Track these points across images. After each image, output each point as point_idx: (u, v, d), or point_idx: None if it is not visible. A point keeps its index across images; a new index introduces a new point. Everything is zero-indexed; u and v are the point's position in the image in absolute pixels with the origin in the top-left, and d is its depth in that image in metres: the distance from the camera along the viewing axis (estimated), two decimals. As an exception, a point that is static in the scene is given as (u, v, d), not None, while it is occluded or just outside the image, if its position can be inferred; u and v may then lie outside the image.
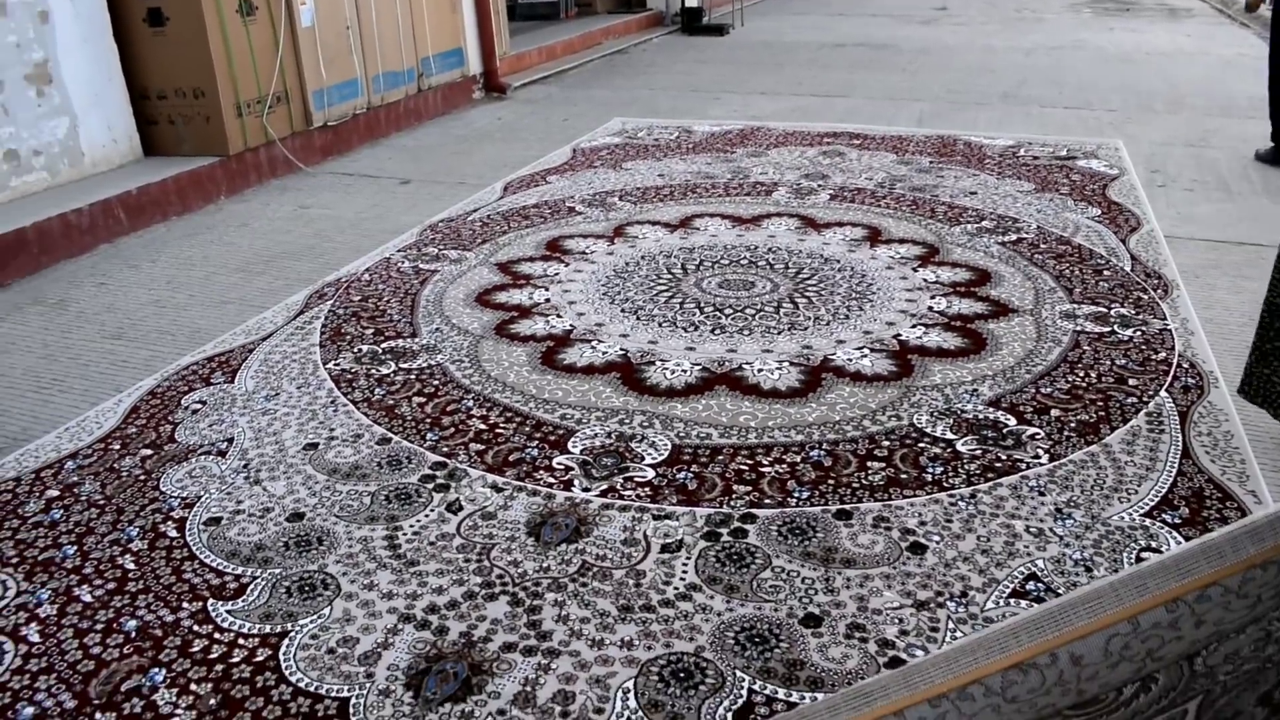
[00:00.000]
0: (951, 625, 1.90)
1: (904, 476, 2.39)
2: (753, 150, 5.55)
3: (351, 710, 1.74)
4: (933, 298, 3.44)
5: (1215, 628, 1.02)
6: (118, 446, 2.66)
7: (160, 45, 4.85)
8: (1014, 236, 4.05)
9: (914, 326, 3.22)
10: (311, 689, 1.79)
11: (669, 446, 2.55)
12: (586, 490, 2.36)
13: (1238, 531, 0.97)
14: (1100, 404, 2.70)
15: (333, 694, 1.77)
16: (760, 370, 2.94)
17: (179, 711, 1.76)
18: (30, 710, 1.78)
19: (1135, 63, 8.17)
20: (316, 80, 5.52)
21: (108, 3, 4.74)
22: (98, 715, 1.76)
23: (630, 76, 8.20)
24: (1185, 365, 2.91)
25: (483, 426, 2.66)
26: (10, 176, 4.43)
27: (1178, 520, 2.19)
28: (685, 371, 2.94)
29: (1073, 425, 2.60)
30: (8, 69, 4.34)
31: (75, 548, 2.23)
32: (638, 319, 3.31)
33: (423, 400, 2.81)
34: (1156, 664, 1.03)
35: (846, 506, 2.27)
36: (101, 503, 2.40)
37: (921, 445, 2.53)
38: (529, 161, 5.47)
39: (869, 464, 2.45)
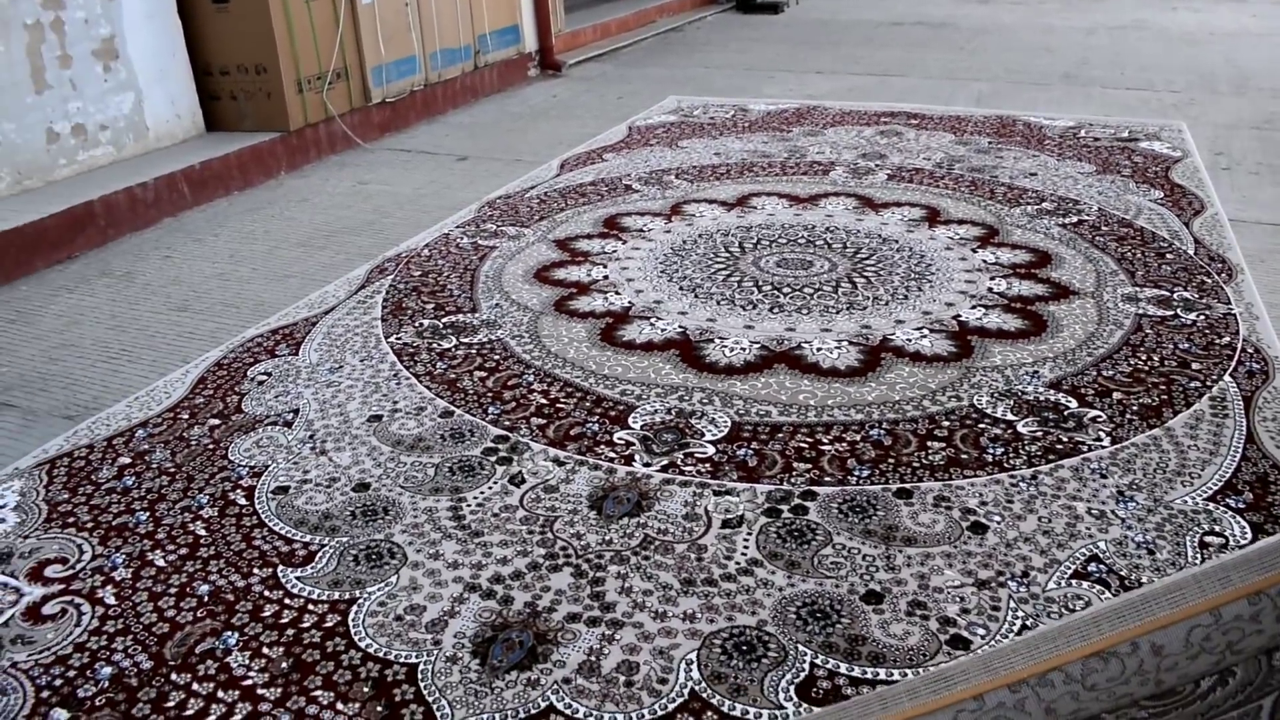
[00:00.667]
0: (1013, 605, 1.90)
1: (964, 457, 2.39)
2: (809, 129, 5.52)
3: (420, 676, 1.78)
4: (992, 279, 3.42)
5: None
6: (186, 416, 2.72)
7: (223, 22, 4.92)
8: (1075, 218, 4.00)
9: (973, 308, 3.20)
10: (380, 654, 1.83)
11: (729, 424, 2.56)
12: (648, 465, 2.38)
13: None
14: (1163, 388, 2.67)
15: (401, 659, 1.82)
16: (819, 349, 2.94)
17: (251, 674, 1.81)
18: (108, 670, 1.84)
19: (1199, 43, 8.00)
20: (375, 57, 5.57)
21: (173, -20, 4.82)
22: (173, 675, 1.82)
23: (685, 55, 8.17)
24: (1250, 350, 2.87)
25: (544, 401, 2.69)
26: (78, 150, 4.53)
27: (1241, 505, 2.17)
28: (744, 350, 2.94)
29: (1135, 408, 2.58)
30: (76, 44, 4.42)
31: (148, 514, 2.29)
32: (696, 297, 3.32)
33: (484, 375, 2.85)
34: (1236, 657, 1.03)
35: (907, 485, 2.27)
36: (172, 470, 2.46)
37: (982, 426, 2.52)
38: (585, 139, 5.48)
39: (929, 444, 2.44)
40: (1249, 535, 2.07)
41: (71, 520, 2.28)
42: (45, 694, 1.80)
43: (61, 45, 4.38)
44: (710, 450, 2.44)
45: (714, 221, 4.05)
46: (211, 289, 3.64)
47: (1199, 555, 2.01)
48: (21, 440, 2.69)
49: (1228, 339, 2.93)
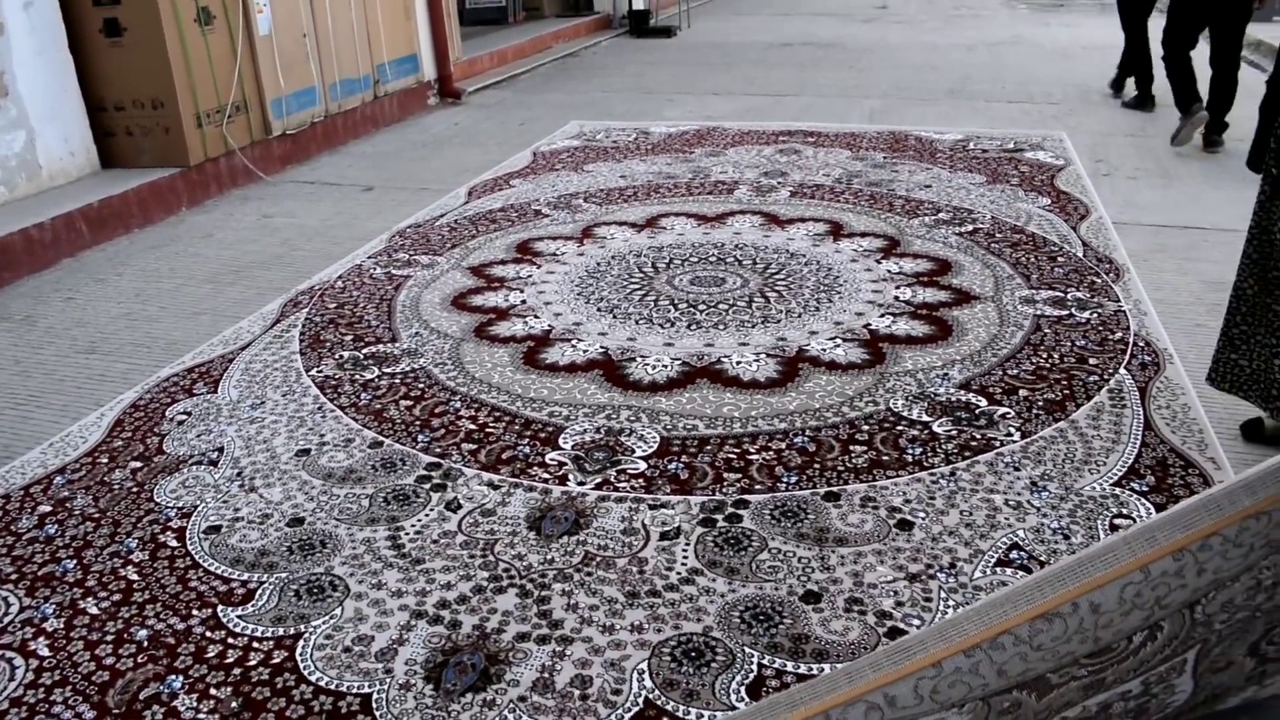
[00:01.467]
0: (943, 595, 1.99)
1: (886, 458, 2.48)
2: (711, 150, 5.64)
3: (375, 705, 1.78)
4: (898, 288, 3.55)
5: (1214, 576, 1.11)
6: (106, 460, 2.67)
7: (117, 56, 4.82)
8: (970, 227, 4.17)
9: (882, 316, 3.32)
10: (332, 687, 1.83)
11: (658, 439, 2.62)
12: (582, 484, 2.42)
13: (1234, 486, 1.06)
14: (1064, 383, 2.82)
15: (354, 690, 1.82)
16: (739, 363, 3.01)
17: (202, 715, 1.79)
18: (49, 720, 1.80)
19: (1073, 57, 8.40)
20: (275, 89, 5.51)
21: (63, 14, 4.70)
22: (118, 721, 1.79)
23: (583, 80, 8.25)
24: (1141, 344, 3.04)
25: (473, 427, 2.71)
26: (-34, 194, 4.39)
27: (1145, 488, 2.31)
28: (666, 366, 3.01)
29: (1040, 404, 2.71)
30: (-38, 85, 4.29)
31: (75, 561, 2.24)
32: (614, 317, 3.37)
33: (410, 404, 2.86)
34: (1163, 611, 1.12)
35: (834, 489, 2.36)
36: (96, 516, 2.41)
37: (900, 428, 2.62)
38: (490, 166, 5.50)
39: (851, 448, 2.53)
40: (1155, 516, 2.20)
41: (-6, 572, 2.22)
42: (-18, 751, 1.75)
43: (-54, 86, 4.25)
44: (642, 466, 2.49)
45: (625, 243, 4.12)
46: (119, 330, 3.56)
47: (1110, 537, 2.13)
48: (-70, 494, 2.60)
49: (1120, 334, 3.10)
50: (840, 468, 2.45)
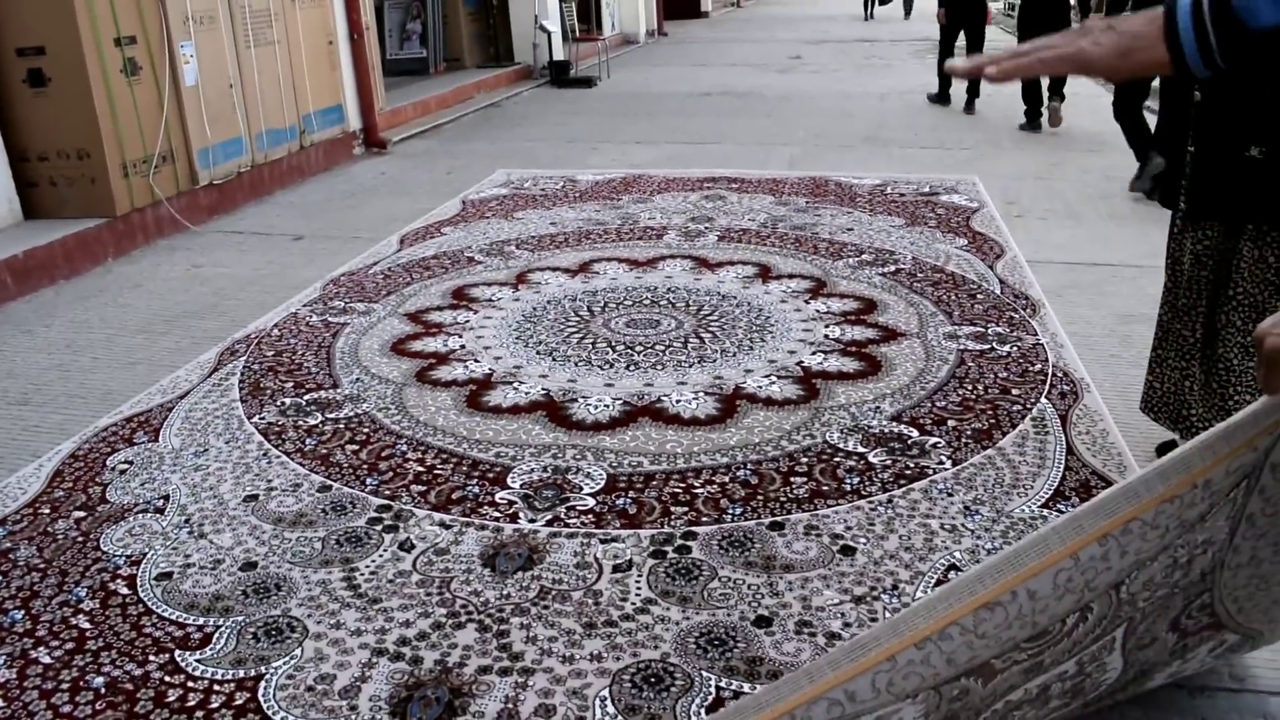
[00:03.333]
0: (888, 615, 2.07)
1: (825, 488, 2.58)
2: (637, 196, 5.77)
3: (340, 740, 1.80)
4: (827, 326, 3.68)
5: (1135, 557, 1.22)
6: (47, 510, 2.64)
7: (41, 106, 4.78)
8: (893, 267, 4.34)
9: (814, 353, 3.44)
10: (296, 724, 1.84)
11: (604, 476, 2.68)
12: (533, 521, 2.47)
13: (1149, 473, 1.18)
14: (990, 413, 2.96)
15: (318, 727, 1.84)
16: (678, 401, 3.10)
17: (164, 757, 1.79)
18: (4, 771, 1.79)
19: (981, 104, 8.75)
20: (201, 139, 5.50)
21: (-16, 66, 4.66)
22: (78, 769, 1.78)
23: (507, 129, 8.36)
24: (1059, 374, 3.20)
25: (420, 469, 2.75)
26: (-118, 247, 4.29)
27: (1071, 509, 2.43)
28: (608, 406, 3.08)
29: (969, 433, 2.84)
30: (-119, 137, 4.22)
31: (23, 612, 2.22)
32: (554, 360, 3.44)
33: (355, 448, 2.88)
34: (1092, 594, 1.23)
35: (779, 518, 2.44)
36: (42, 566, 2.39)
37: (837, 459, 2.73)
38: (420, 214, 5.55)
39: (792, 479, 2.63)
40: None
41: (-63, 627, 2.19)
42: (-65, 806, 1.73)
43: None
44: (591, 502, 2.55)
45: (560, 288, 4.19)
46: (51, 380, 3.52)
47: (1040, 558, 2.25)
48: None
49: (1039, 366, 3.26)
50: (783, 498, 2.54)
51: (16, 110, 4.81)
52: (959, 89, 8.74)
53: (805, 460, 2.73)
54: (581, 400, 3.13)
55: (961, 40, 8.69)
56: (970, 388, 3.13)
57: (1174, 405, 2.57)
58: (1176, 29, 1.18)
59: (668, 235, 4.93)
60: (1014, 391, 3.09)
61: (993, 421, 2.91)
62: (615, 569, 2.27)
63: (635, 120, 8.54)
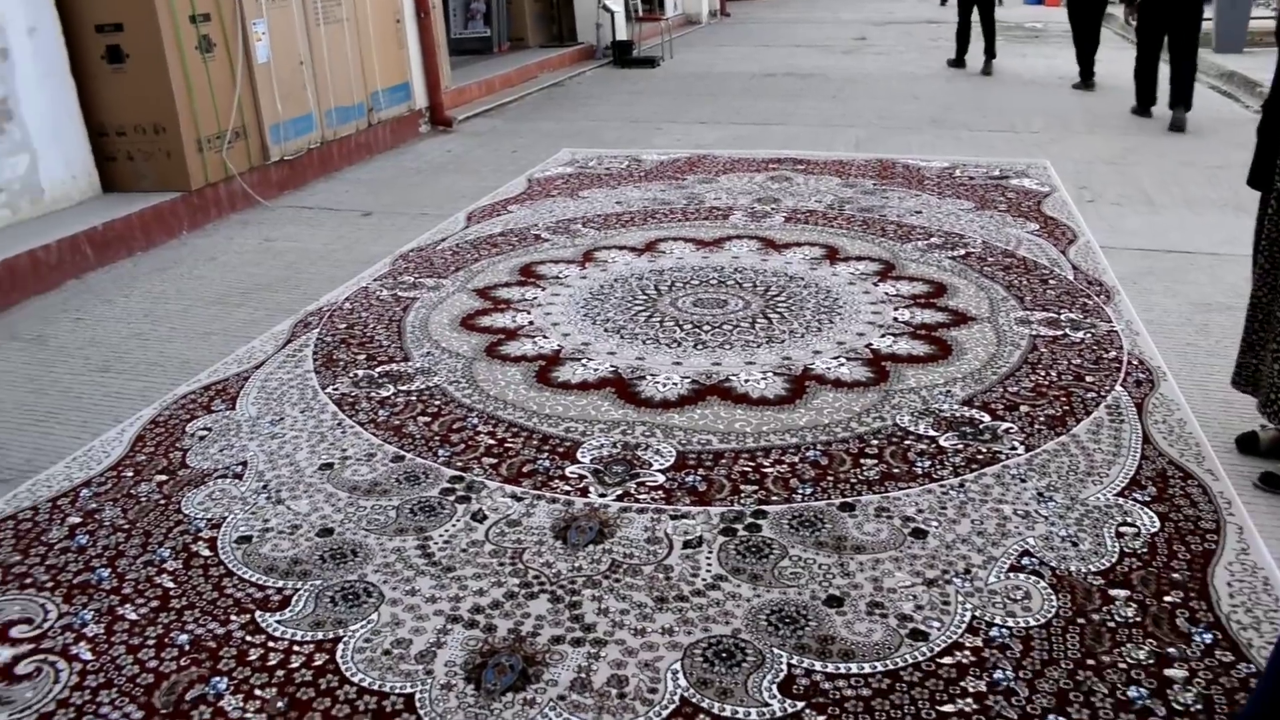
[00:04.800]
0: (961, 599, 2.07)
1: (896, 471, 2.57)
2: (703, 177, 5.75)
3: (418, 704, 1.84)
4: (896, 309, 3.65)
5: None
6: (130, 474, 2.71)
7: (119, 82, 4.88)
8: (962, 251, 4.29)
9: (883, 336, 3.42)
10: (375, 687, 1.88)
11: (674, 453, 2.69)
12: (603, 495, 2.49)
13: None
14: (1063, 399, 2.92)
15: (396, 690, 1.87)
16: (747, 381, 3.10)
17: (249, 715, 1.84)
18: (95, 723, 1.85)
19: (1050, 87, 8.59)
20: (273, 115, 5.58)
21: (66, 40, 4.76)
22: (165, 723, 1.83)
23: (570, 109, 8.37)
24: (1135, 362, 3.15)
25: (491, 441, 2.78)
26: (-31, 216, 4.42)
27: (1147, 498, 2.40)
28: (676, 384, 3.09)
29: (1041, 419, 2.81)
30: (-31, 109, 4.34)
31: (109, 570, 2.29)
32: (621, 337, 3.45)
33: (428, 420, 2.92)
34: None
35: (849, 499, 2.44)
36: (126, 527, 2.46)
37: (908, 442, 2.71)
38: (486, 192, 5.59)
39: (863, 461, 2.62)
40: (1158, 525, 2.30)
41: (29, 581, 2.26)
42: (30, 753, 1.79)
43: (-47, 109, 4.29)
44: (660, 479, 2.57)
45: (627, 266, 4.20)
46: (131, 349, 3.60)
47: (1116, 544, 2.22)
48: (-46, 509, 2.64)
49: (1114, 353, 3.21)
50: (853, 480, 2.53)
51: (95, 86, 4.91)
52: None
53: (875, 442, 2.72)
54: (650, 378, 3.14)
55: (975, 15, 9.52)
56: (1043, 374, 3.09)
57: (1266, 388, 2.51)
58: None
59: (734, 216, 4.92)
60: (1088, 378, 3.05)
61: (1066, 408, 2.87)
62: (686, 545, 2.28)
63: (699, 101, 8.50)
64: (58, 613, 2.15)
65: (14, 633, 2.10)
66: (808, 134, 6.97)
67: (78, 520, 2.49)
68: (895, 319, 3.56)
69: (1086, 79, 8.37)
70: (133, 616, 2.12)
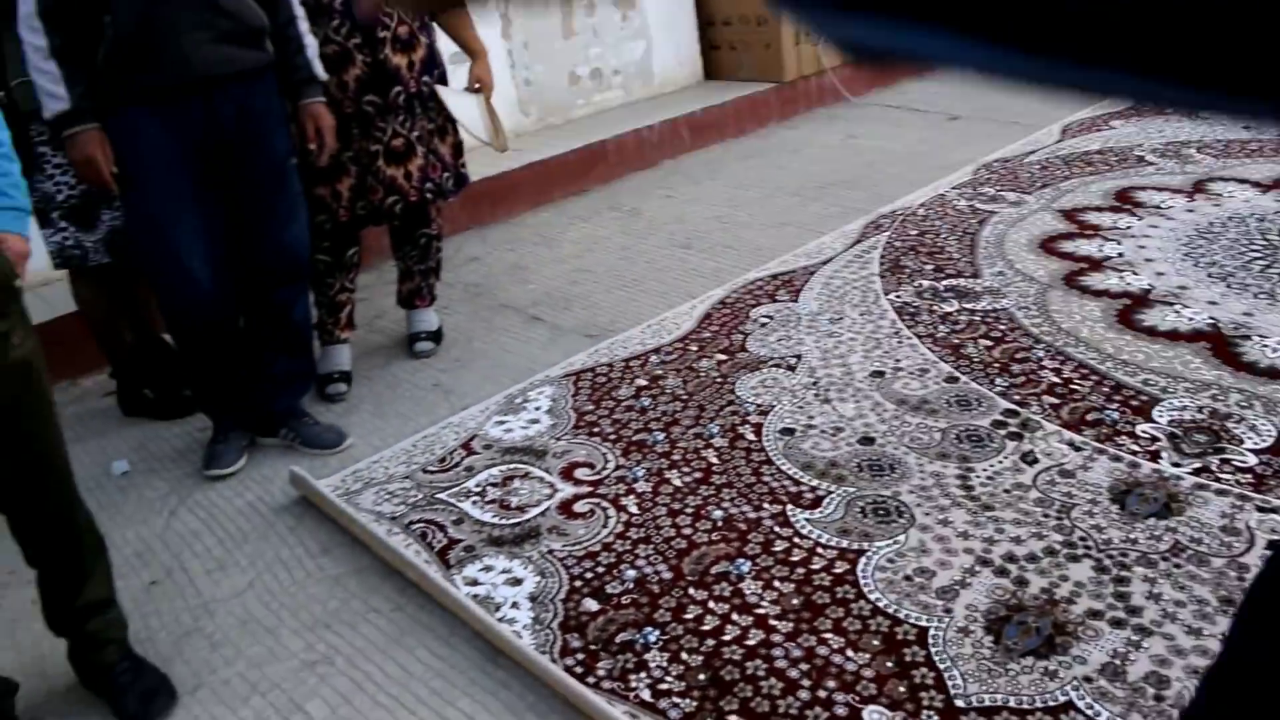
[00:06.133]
0: None
1: None
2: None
3: (930, 641, 1.75)
4: None
5: None
6: (695, 348, 2.88)
7: (732, -27, 5.11)
8: None
9: None
10: (890, 611, 1.83)
11: (1274, 432, 2.28)
12: (1177, 466, 2.18)
13: None
14: None
15: (911, 620, 1.80)
16: (1390, 362, 2.53)
17: (764, 604, 1.88)
18: (633, 573, 2.00)
19: None
20: (875, 11, 5.52)
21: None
22: (691, 590, 1.93)
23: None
24: None
25: (1056, 380, 2.55)
26: (593, 93, 4.92)
27: None
28: (1291, 351, 2.61)
29: None
30: (607, -6, 4.79)
31: (664, 434, 2.45)
32: (1228, 287, 2.98)
33: (989, 344, 2.75)
34: None
35: None
36: (684, 398, 2.61)
37: None
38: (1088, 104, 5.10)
39: None
40: None
41: (596, 430, 2.50)
42: (578, 584, 1.98)
43: (595, -6, 4.76)
44: (1251, 460, 2.19)
45: (1246, 204, 3.61)
46: (711, 230, 3.81)
47: None
48: (549, 351, 2.99)
49: None
50: None
51: (710, -25, 5.18)
52: None
53: None
54: (1257, 339, 2.68)
55: None
56: None
57: None
58: None
59: (1403, 157, 4.02)
60: None
61: None
62: (1271, 545, 1.92)
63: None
64: (615, 464, 2.36)
65: (579, 474, 2.33)
66: None
67: (644, 383, 2.70)
68: None
69: None
70: (678, 482, 2.26)
